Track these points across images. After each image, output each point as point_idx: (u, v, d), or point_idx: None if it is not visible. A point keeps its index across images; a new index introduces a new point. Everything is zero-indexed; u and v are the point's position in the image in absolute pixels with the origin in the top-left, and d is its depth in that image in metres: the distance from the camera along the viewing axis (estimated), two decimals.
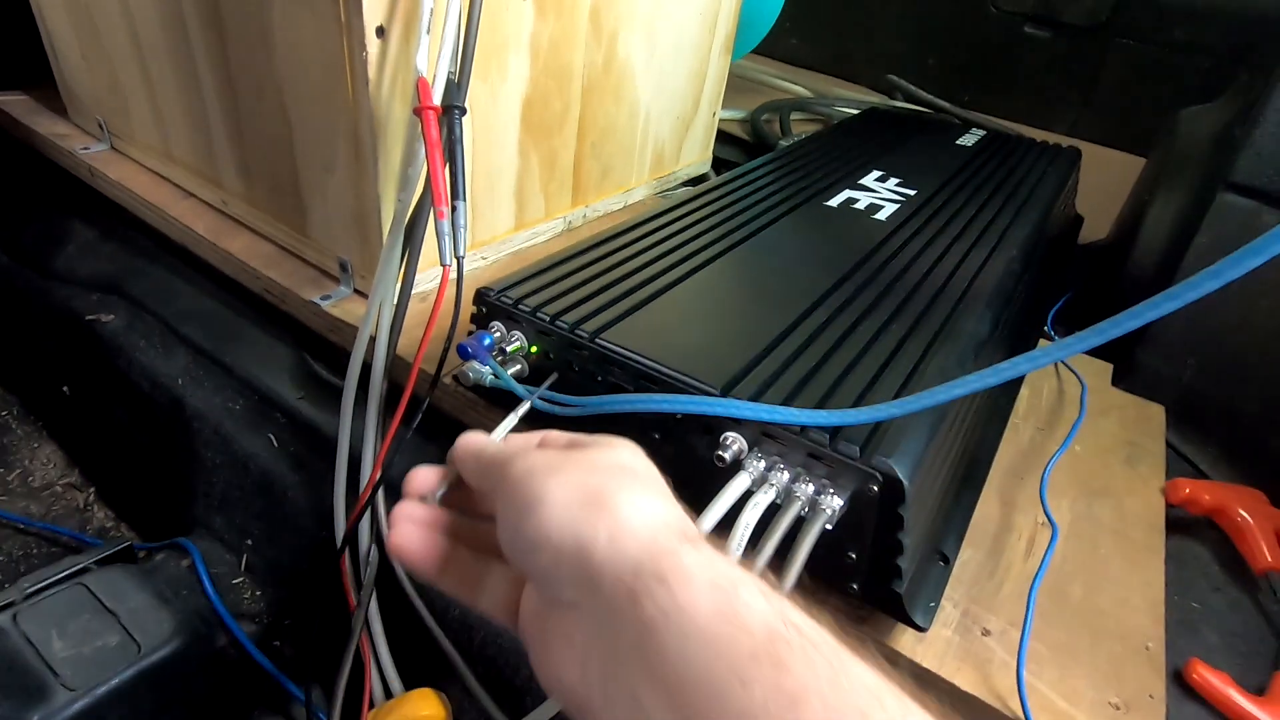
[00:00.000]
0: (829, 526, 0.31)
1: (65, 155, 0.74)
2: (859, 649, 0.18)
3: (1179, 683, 0.38)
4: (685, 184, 0.85)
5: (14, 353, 0.79)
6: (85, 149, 0.74)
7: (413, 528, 0.27)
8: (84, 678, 0.44)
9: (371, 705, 0.46)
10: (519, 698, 0.43)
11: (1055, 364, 0.61)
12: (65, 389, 0.72)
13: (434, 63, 0.43)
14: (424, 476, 0.28)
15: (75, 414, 0.74)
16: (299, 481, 0.54)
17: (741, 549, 0.31)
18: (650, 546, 0.20)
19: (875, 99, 1.20)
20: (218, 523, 0.57)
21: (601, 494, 0.21)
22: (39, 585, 0.50)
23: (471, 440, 0.27)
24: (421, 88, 0.42)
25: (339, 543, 0.48)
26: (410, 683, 0.47)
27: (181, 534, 0.58)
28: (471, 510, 0.28)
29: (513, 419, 0.37)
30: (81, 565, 0.53)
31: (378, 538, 0.47)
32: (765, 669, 0.17)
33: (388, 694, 0.47)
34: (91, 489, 0.73)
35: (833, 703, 0.16)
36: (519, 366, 0.42)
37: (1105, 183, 0.89)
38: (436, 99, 0.43)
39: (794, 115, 1.11)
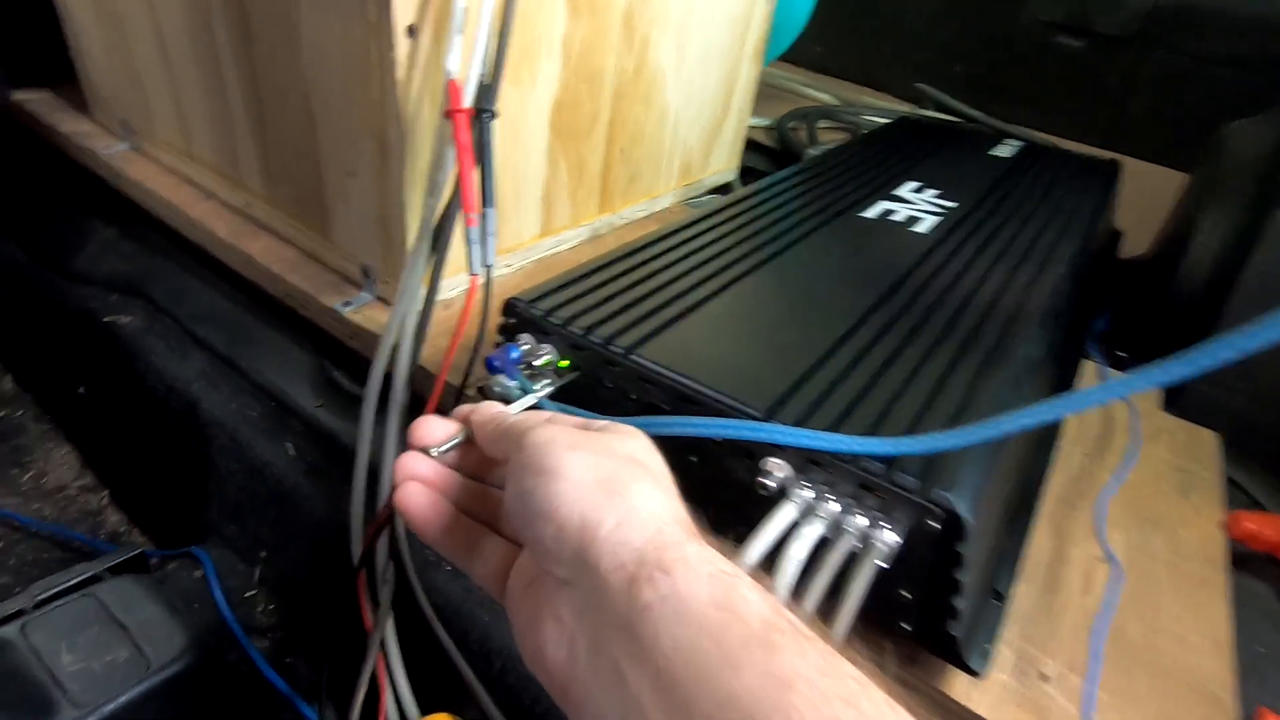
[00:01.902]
0: (883, 564, 0.29)
1: (87, 154, 0.74)
2: (846, 652, 0.18)
3: None
4: (712, 192, 0.84)
5: (31, 352, 0.79)
6: (107, 148, 0.73)
7: (419, 488, 0.27)
8: (92, 694, 0.42)
9: None
10: None
11: None
12: (81, 390, 0.72)
13: (465, 64, 0.42)
14: (432, 428, 0.28)
15: (91, 415, 0.73)
16: (315, 492, 0.52)
17: (790, 587, 0.29)
18: (656, 538, 0.20)
19: (904, 108, 1.18)
20: (231, 531, 0.56)
21: (615, 480, 0.22)
22: (50, 592, 0.49)
23: (490, 405, 0.28)
24: (452, 90, 0.40)
25: (355, 560, 0.46)
26: (426, 707, 0.45)
27: (195, 541, 0.57)
28: (473, 473, 0.28)
29: (530, 399, 0.36)
30: (92, 573, 0.52)
31: (395, 555, 0.46)
32: (756, 653, 0.17)
33: (404, 718, 0.45)
34: (105, 492, 0.72)
35: (821, 689, 0.16)
36: (548, 381, 0.40)
37: (1138, 196, 0.86)
38: (467, 101, 0.41)
39: (821, 123, 1.09)
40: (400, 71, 0.44)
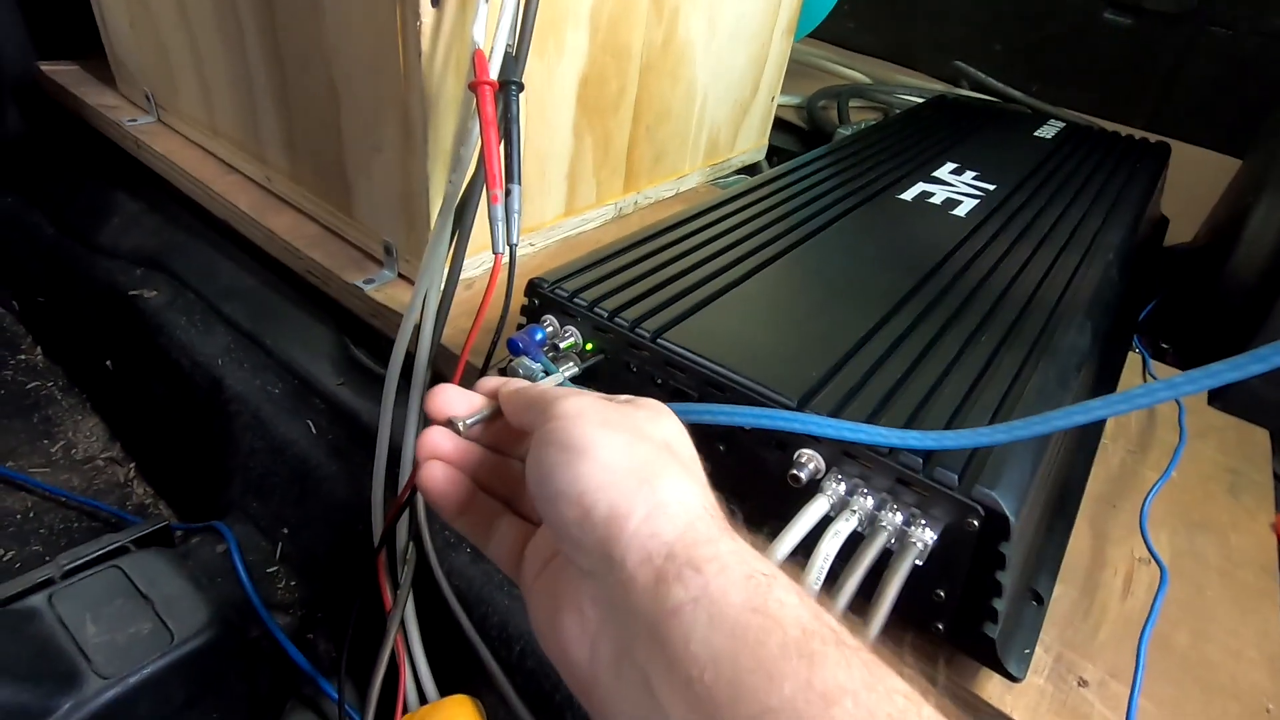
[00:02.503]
0: (919, 562, 0.28)
1: (113, 127, 0.73)
2: (894, 662, 0.17)
3: None
4: (739, 172, 0.82)
5: (60, 325, 0.79)
6: (132, 121, 0.73)
7: (440, 468, 0.26)
8: (116, 665, 0.43)
9: (406, 709, 0.44)
10: (558, 714, 0.41)
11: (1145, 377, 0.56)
12: (108, 363, 0.72)
13: (491, 35, 0.40)
14: (450, 398, 0.27)
15: (118, 389, 0.74)
16: (337, 470, 0.52)
17: (820, 581, 0.28)
18: (686, 533, 0.19)
19: (939, 86, 1.14)
20: (254, 508, 0.56)
21: (647, 466, 0.20)
22: (77, 562, 0.49)
23: (516, 379, 0.27)
24: (478, 61, 0.39)
25: (376, 540, 0.46)
26: (445, 689, 0.45)
27: (218, 516, 0.57)
28: (492, 445, 0.27)
29: (559, 375, 0.35)
30: (119, 545, 0.52)
31: (415, 536, 0.45)
32: (796, 664, 0.16)
33: (422, 698, 0.45)
34: (132, 464, 0.73)
35: (868, 705, 0.15)
36: (572, 363, 0.39)
37: (1188, 182, 0.82)
38: (494, 73, 0.40)
39: (852, 102, 1.06)
40: (425, 42, 0.42)
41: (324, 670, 0.50)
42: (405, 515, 0.46)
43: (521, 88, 0.41)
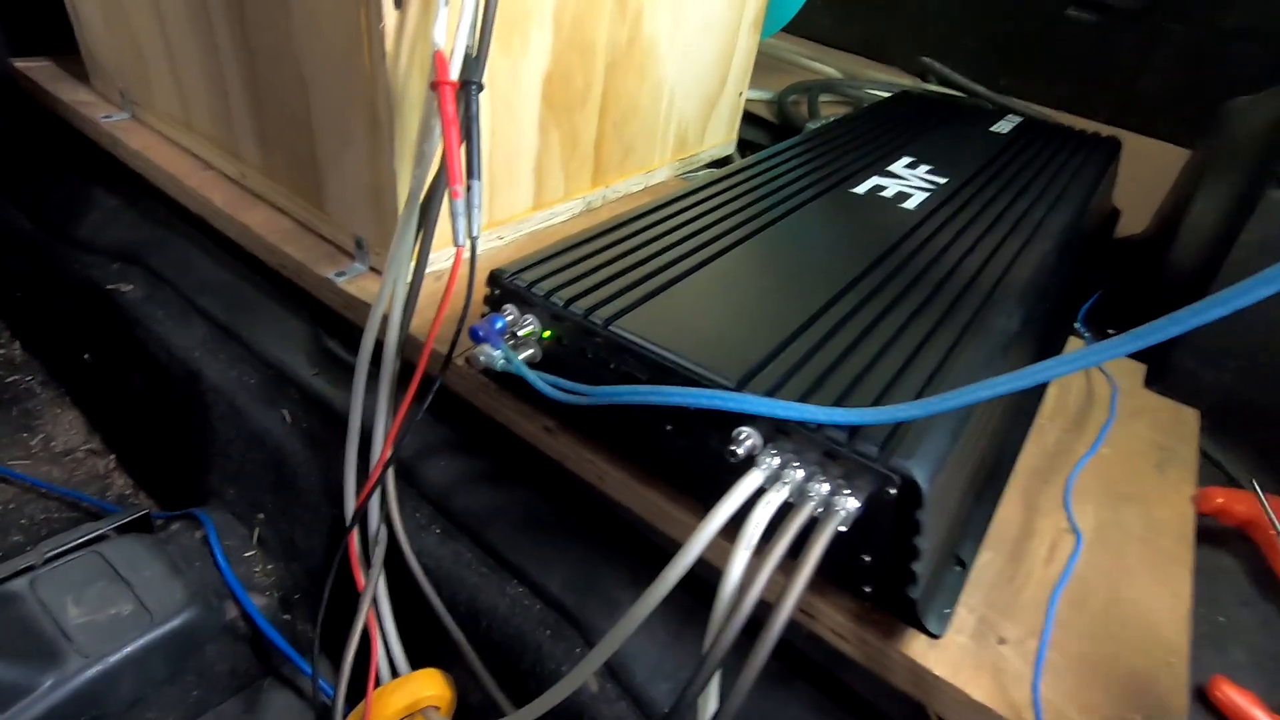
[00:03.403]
0: (842, 528, 0.30)
1: (87, 123, 0.74)
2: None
3: (1201, 699, 0.37)
4: (709, 166, 0.84)
5: (38, 318, 0.80)
6: (107, 117, 0.74)
7: None
8: (97, 645, 0.44)
9: (378, 683, 0.46)
10: (523, 682, 0.43)
11: None
12: (86, 356, 0.73)
13: (452, 35, 0.42)
14: None
15: (97, 382, 0.75)
16: (312, 458, 0.54)
17: (751, 548, 0.30)
18: None
19: (908, 81, 1.17)
20: (231, 495, 0.57)
21: None
22: (58, 550, 0.51)
23: None
24: (438, 61, 0.41)
25: (348, 521, 0.48)
26: (417, 663, 0.47)
27: (197, 504, 0.58)
28: None
29: (516, 360, 0.37)
30: (99, 532, 0.54)
31: (386, 518, 0.47)
32: None
33: (394, 672, 0.47)
34: (112, 455, 0.74)
35: None
36: (532, 351, 0.41)
37: (1147, 174, 0.85)
38: (454, 73, 0.41)
39: (823, 97, 1.08)
40: (389, 43, 0.44)
41: (301, 648, 0.52)
42: (377, 499, 0.48)
43: (481, 87, 0.43)
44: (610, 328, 0.38)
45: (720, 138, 0.84)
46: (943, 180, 0.61)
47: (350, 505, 0.48)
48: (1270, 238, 0.55)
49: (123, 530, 0.55)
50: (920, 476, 0.29)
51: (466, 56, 0.42)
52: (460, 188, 0.40)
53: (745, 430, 0.33)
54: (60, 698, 0.42)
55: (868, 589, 0.33)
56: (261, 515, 0.56)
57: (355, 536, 0.48)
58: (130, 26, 0.67)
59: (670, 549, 0.31)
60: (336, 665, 0.45)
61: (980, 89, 1.05)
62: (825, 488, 0.31)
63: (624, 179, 0.71)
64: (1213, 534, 0.46)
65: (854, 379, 0.35)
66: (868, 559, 0.32)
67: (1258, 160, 0.60)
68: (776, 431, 0.33)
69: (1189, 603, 0.39)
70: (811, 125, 0.95)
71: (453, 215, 0.41)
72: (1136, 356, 0.59)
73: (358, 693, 0.45)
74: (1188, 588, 0.40)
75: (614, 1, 0.58)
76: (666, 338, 0.37)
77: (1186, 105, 1.11)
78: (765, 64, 1.20)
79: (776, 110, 1.03)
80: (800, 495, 0.32)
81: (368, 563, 0.47)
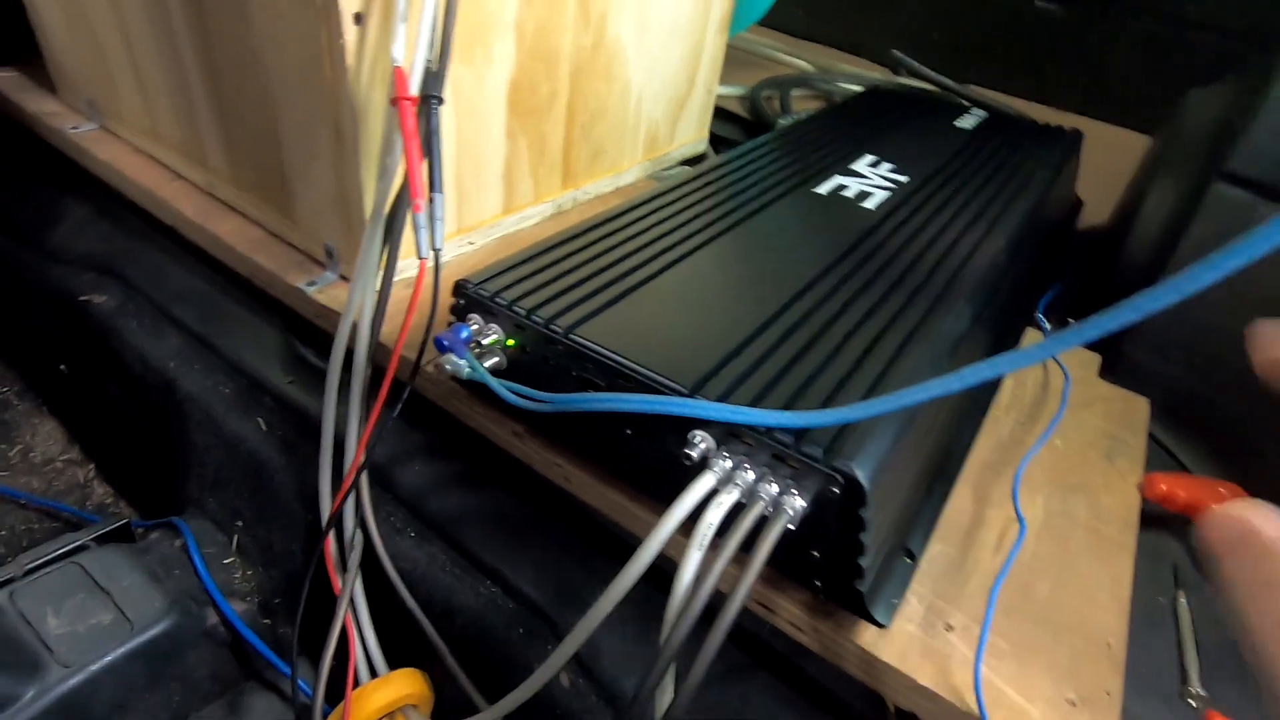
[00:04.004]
0: (791, 527, 0.32)
1: (55, 134, 0.74)
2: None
3: None
4: (681, 164, 0.85)
5: (13, 330, 0.80)
6: (75, 128, 0.74)
7: None
8: (78, 654, 0.45)
9: (357, 684, 0.47)
10: (498, 679, 0.44)
11: None
12: (62, 367, 0.74)
13: (411, 51, 0.43)
14: None
15: (73, 392, 0.75)
16: (288, 465, 0.55)
17: (703, 548, 0.31)
18: None
19: (880, 75, 1.18)
20: (210, 503, 0.58)
21: None
22: (38, 561, 0.52)
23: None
24: (398, 78, 0.42)
25: (324, 525, 0.49)
26: (395, 663, 0.48)
27: (176, 513, 0.59)
28: None
29: (480, 369, 0.38)
30: (80, 543, 0.54)
31: (361, 523, 0.48)
32: None
33: (374, 674, 0.48)
34: (91, 465, 0.75)
35: None
36: (497, 359, 0.42)
37: (1113, 164, 0.87)
38: (414, 89, 0.42)
39: (795, 92, 1.09)
40: (350, 58, 0.45)
41: (282, 652, 0.53)
42: (353, 504, 0.49)
43: (441, 101, 0.43)
44: (570, 336, 0.39)
45: (691, 136, 0.85)
46: (904, 179, 0.62)
47: (325, 510, 0.49)
48: (1217, 232, 0.57)
49: (103, 540, 0.55)
50: (863, 475, 0.31)
51: (427, 71, 0.43)
52: (422, 201, 0.41)
53: (699, 434, 0.34)
54: (42, 708, 0.43)
55: (819, 583, 0.35)
56: (240, 522, 0.57)
57: (331, 541, 0.49)
58: (94, 38, 0.67)
59: (638, 547, 0.32)
60: (316, 668, 0.47)
61: (948, 82, 1.06)
62: (774, 488, 0.32)
63: (594, 181, 0.72)
64: (1158, 519, 0.48)
65: (804, 382, 0.36)
66: (817, 555, 0.34)
67: (1206, 153, 0.62)
68: (729, 435, 0.34)
69: (1129, 586, 0.41)
70: (783, 121, 0.96)
71: (415, 229, 0.41)
72: (1092, 347, 0.61)
73: (338, 694, 0.46)
74: (1128, 572, 0.42)
75: (576, 8, 0.59)
76: (624, 345, 0.38)
77: (1151, 95, 1.14)
78: (739, 59, 1.21)
79: (749, 106, 1.04)
80: (751, 496, 0.33)
81: (344, 567, 0.48)
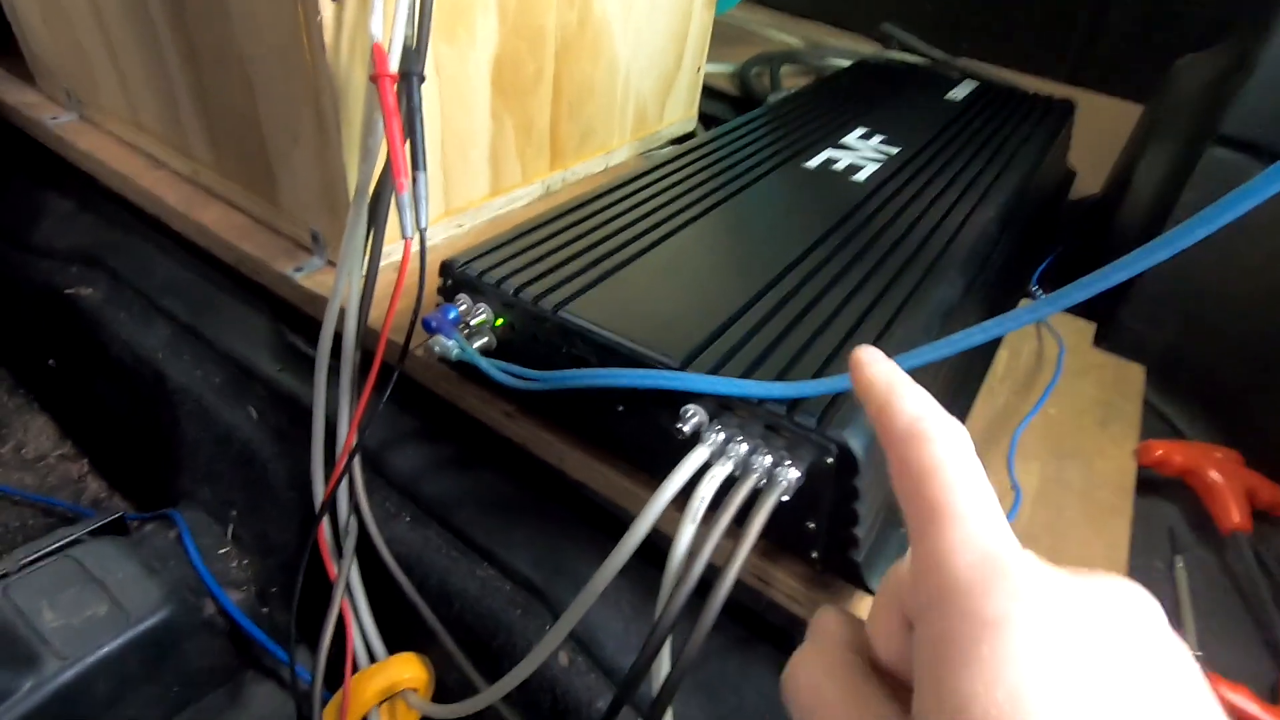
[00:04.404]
0: (785, 498, 0.31)
1: (34, 125, 0.73)
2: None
3: None
4: (671, 143, 0.84)
5: (0, 326, 0.80)
6: (54, 118, 0.73)
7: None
8: (74, 647, 0.45)
9: (356, 669, 0.47)
10: (496, 661, 0.44)
11: (1037, 325, 0.60)
12: (51, 362, 0.73)
13: (389, 27, 0.42)
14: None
15: (64, 387, 0.75)
16: (280, 452, 0.54)
17: (696, 522, 0.31)
18: None
19: (870, 48, 1.17)
20: (204, 494, 0.58)
21: None
22: (33, 556, 0.51)
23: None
24: (377, 54, 0.41)
25: (317, 511, 0.48)
26: (394, 647, 0.48)
27: (171, 504, 0.59)
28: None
29: (470, 348, 0.37)
30: (73, 537, 0.54)
31: (355, 508, 0.48)
32: None
33: (372, 658, 0.48)
34: (85, 460, 0.75)
35: None
36: (486, 339, 0.42)
37: (1106, 133, 0.87)
38: (394, 66, 0.41)
39: (785, 68, 1.08)
40: (328, 36, 0.44)
41: (280, 640, 0.53)
42: (346, 489, 0.49)
43: (423, 79, 0.43)
44: (559, 313, 0.38)
45: (680, 114, 0.84)
46: (894, 151, 0.62)
47: (319, 497, 0.49)
48: (1211, 195, 0.57)
49: (97, 534, 0.55)
50: (855, 445, 0.31)
51: (406, 48, 0.42)
52: (405, 181, 0.41)
53: (691, 408, 0.34)
54: (39, 700, 0.42)
55: (815, 554, 0.35)
56: (234, 512, 0.56)
57: (325, 527, 0.48)
58: (70, 27, 0.66)
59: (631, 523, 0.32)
60: (315, 654, 0.46)
61: (939, 54, 1.05)
62: (768, 460, 0.32)
63: (583, 161, 0.72)
64: (1154, 484, 0.48)
65: (796, 353, 0.36)
66: (812, 526, 0.34)
67: (1199, 119, 0.61)
68: (721, 408, 0.34)
69: (1125, 552, 0.41)
70: (773, 97, 0.95)
71: (399, 209, 0.41)
72: (1087, 315, 0.61)
73: (337, 680, 0.46)
74: (1125, 537, 0.42)
75: None
76: (613, 320, 0.37)
77: (1142, 63, 1.12)
78: (728, 35, 1.20)
79: (739, 83, 1.03)
80: (744, 468, 0.33)
81: (340, 552, 0.48)
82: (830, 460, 0.31)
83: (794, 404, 0.32)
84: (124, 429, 0.67)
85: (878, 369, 0.22)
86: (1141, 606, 0.16)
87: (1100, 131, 0.87)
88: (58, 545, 0.53)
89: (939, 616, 0.16)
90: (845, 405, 0.32)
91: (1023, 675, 0.14)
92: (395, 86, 0.41)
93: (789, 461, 0.32)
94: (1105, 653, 0.15)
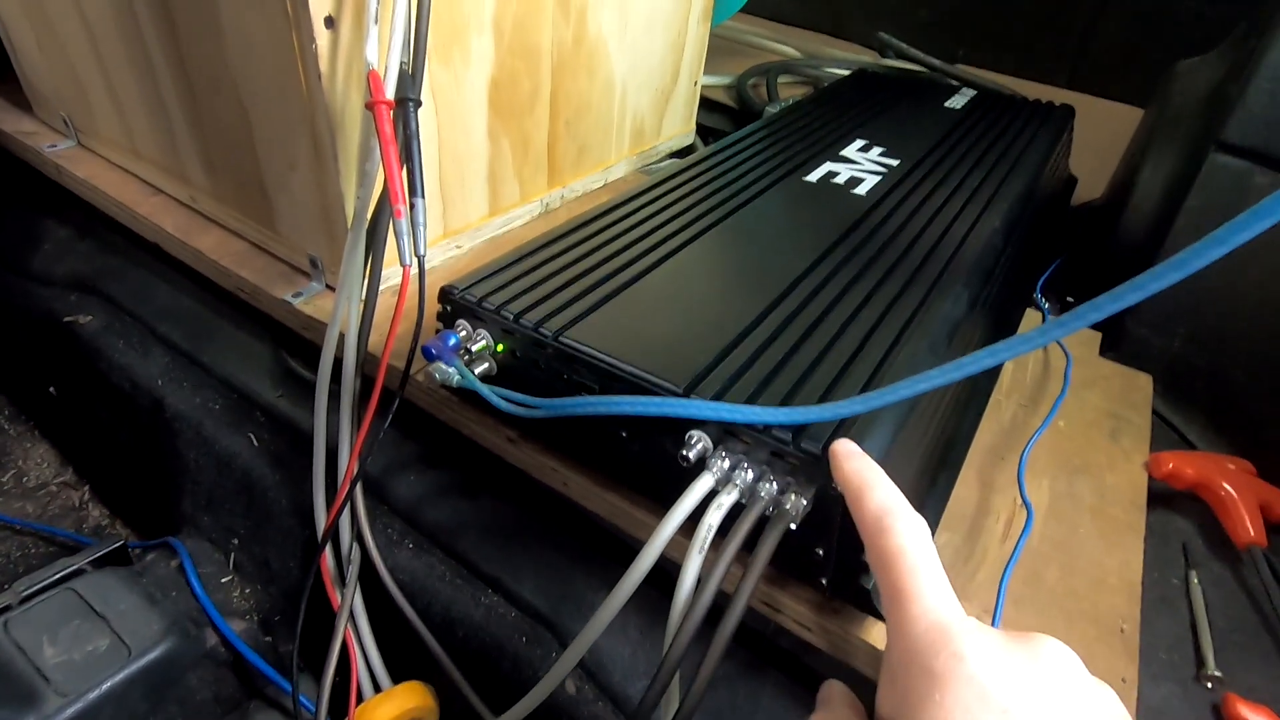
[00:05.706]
0: (793, 526, 0.31)
1: (32, 153, 0.73)
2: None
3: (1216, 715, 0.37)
4: (669, 156, 0.84)
5: (1, 354, 0.79)
6: (52, 146, 0.73)
7: None
8: (75, 682, 0.45)
9: (360, 698, 0.47)
10: (503, 689, 0.44)
11: None
12: (51, 390, 0.73)
13: (385, 53, 0.42)
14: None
15: (64, 414, 0.74)
16: (281, 479, 0.54)
17: (704, 552, 0.31)
18: None
19: (867, 57, 1.17)
20: (205, 521, 0.58)
21: None
22: (34, 588, 0.51)
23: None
24: (373, 80, 0.41)
25: (319, 539, 0.48)
26: (399, 676, 0.47)
27: (172, 532, 0.58)
28: None
29: (470, 376, 0.37)
30: (75, 567, 0.54)
31: (358, 535, 0.48)
32: None
33: (377, 688, 0.47)
34: (86, 487, 0.74)
35: None
36: (486, 365, 0.42)
37: (1105, 138, 0.86)
38: (390, 92, 0.41)
39: (782, 79, 1.08)
40: (323, 63, 0.44)
41: (284, 670, 0.52)
42: (348, 517, 0.48)
43: (419, 104, 0.42)
44: (560, 339, 0.38)
45: (678, 128, 0.84)
46: (895, 163, 0.61)
47: (321, 524, 0.49)
48: (1214, 202, 0.56)
49: (99, 563, 0.54)
50: None
51: (402, 73, 0.42)
52: (403, 207, 0.40)
53: (695, 434, 0.34)
54: None
55: (824, 581, 0.34)
56: (236, 540, 0.56)
57: (328, 555, 0.48)
58: (66, 55, 0.66)
59: (639, 549, 0.32)
60: (319, 684, 0.46)
61: (936, 62, 1.05)
62: (774, 487, 0.32)
63: (581, 178, 0.71)
64: (1166, 498, 0.48)
65: (800, 377, 0.35)
66: (821, 553, 0.33)
67: (1200, 125, 0.61)
68: (726, 434, 0.33)
69: (1140, 569, 0.40)
70: (771, 109, 0.94)
71: (397, 235, 0.41)
72: (1093, 326, 0.60)
73: (342, 710, 0.45)
74: (1139, 554, 0.41)
75: (555, 2, 0.58)
76: (615, 346, 0.37)
77: (1140, 68, 1.12)
78: (725, 48, 1.20)
79: (736, 95, 1.03)
80: (751, 495, 0.32)
81: (343, 580, 0.47)
82: (838, 487, 0.31)
83: (799, 430, 0.32)
84: (125, 456, 0.66)
85: (853, 465, 0.27)
86: (1062, 657, 0.21)
87: (1101, 136, 0.86)
88: (59, 576, 0.52)
89: (904, 674, 0.20)
90: (852, 429, 0.32)
91: (968, 715, 0.18)
92: (391, 113, 0.41)
93: (796, 488, 0.31)
94: (1032, 692, 0.19)
